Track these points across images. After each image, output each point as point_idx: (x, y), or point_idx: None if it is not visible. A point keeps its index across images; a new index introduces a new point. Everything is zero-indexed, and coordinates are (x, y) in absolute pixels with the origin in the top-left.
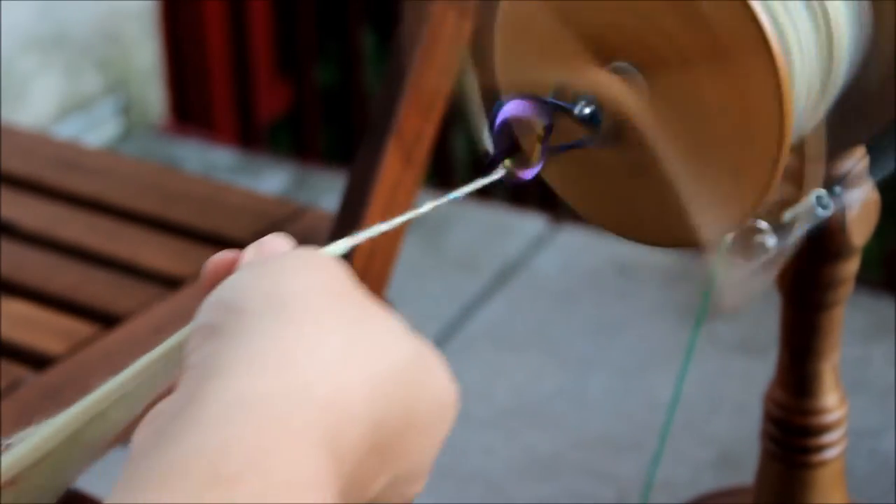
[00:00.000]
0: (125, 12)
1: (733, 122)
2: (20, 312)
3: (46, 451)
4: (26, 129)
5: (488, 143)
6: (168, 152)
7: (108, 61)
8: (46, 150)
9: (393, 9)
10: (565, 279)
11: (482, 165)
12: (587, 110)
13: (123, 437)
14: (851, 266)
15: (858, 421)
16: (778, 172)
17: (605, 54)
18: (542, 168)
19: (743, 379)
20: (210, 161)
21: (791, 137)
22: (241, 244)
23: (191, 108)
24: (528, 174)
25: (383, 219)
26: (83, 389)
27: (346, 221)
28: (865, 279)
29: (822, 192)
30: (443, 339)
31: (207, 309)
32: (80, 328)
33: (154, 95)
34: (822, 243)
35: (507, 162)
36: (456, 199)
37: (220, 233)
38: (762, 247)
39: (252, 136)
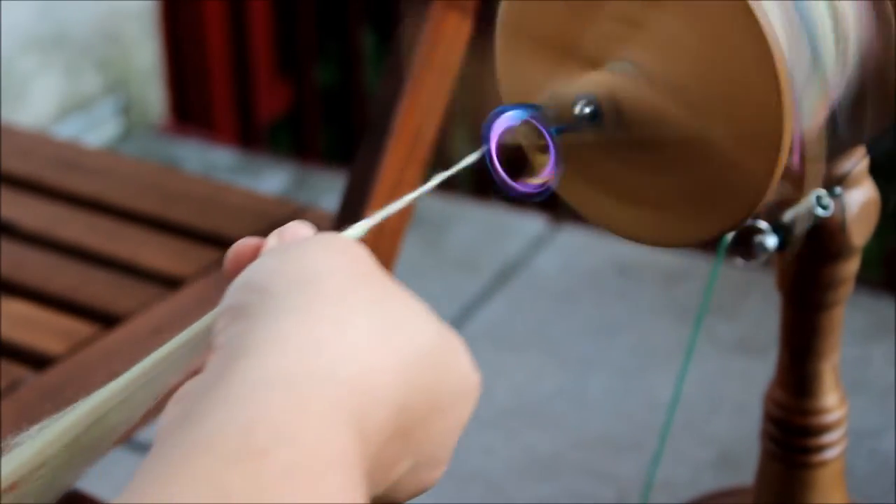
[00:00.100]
0: (125, 12)
1: (733, 121)
2: (20, 312)
3: (47, 455)
4: (26, 129)
5: (485, 154)
6: (168, 152)
7: (108, 61)
8: (46, 150)
9: (393, 9)
10: (565, 279)
11: (482, 165)
12: (587, 109)
13: (124, 438)
14: (851, 266)
15: (858, 421)
16: (778, 172)
17: (605, 54)
18: (554, 182)
19: (743, 379)
20: (210, 161)
21: (791, 137)
22: None
23: (191, 108)
24: (534, 186)
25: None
26: (83, 389)
27: (347, 221)
28: (865, 279)
29: (822, 192)
30: None
31: (233, 292)
32: (80, 328)
33: (154, 95)
34: (822, 243)
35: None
36: (456, 199)
37: (220, 233)
38: (762, 247)
39: (252, 136)
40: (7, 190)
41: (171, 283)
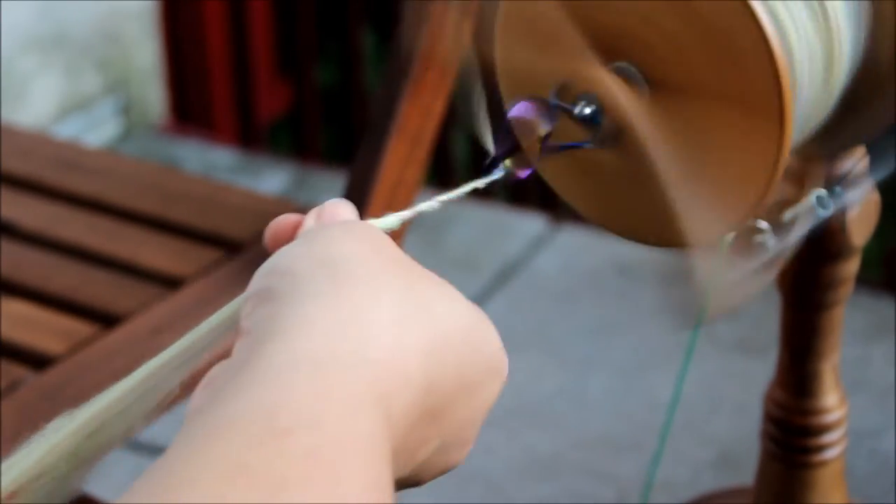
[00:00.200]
0: (125, 12)
1: (733, 121)
2: (20, 312)
3: (47, 465)
4: (26, 129)
5: (491, 144)
6: (168, 152)
7: (108, 61)
8: (46, 150)
9: (393, 9)
10: (565, 279)
11: (482, 164)
12: (587, 110)
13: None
14: (851, 266)
15: (858, 421)
16: (778, 172)
17: (605, 54)
18: (539, 166)
19: (743, 379)
20: (210, 161)
21: (791, 137)
22: (240, 244)
23: (191, 108)
24: (524, 172)
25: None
26: (83, 389)
27: None
28: (865, 279)
29: (822, 192)
30: None
31: (260, 277)
32: (80, 328)
33: (154, 95)
34: (822, 243)
35: (508, 162)
36: (455, 200)
37: (220, 233)
38: (762, 247)
39: (252, 136)
40: (7, 190)
41: (171, 283)
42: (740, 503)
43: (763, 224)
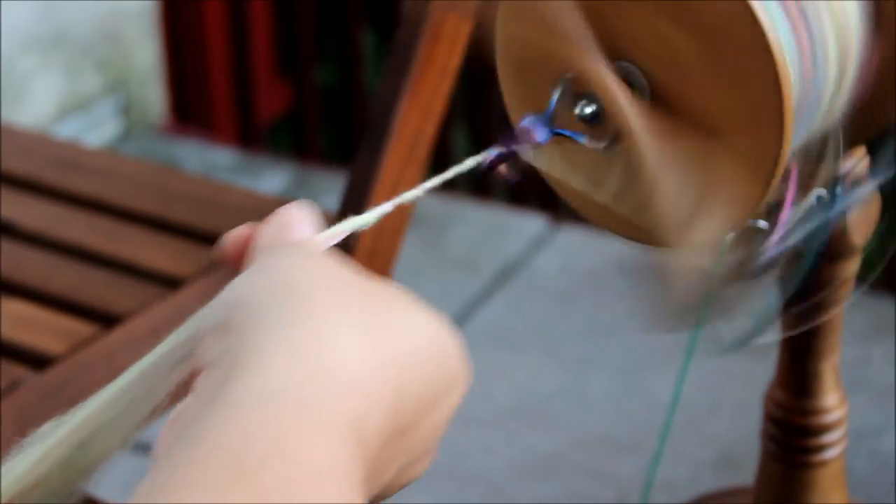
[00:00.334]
0: (125, 12)
1: (733, 121)
2: (20, 312)
3: (40, 474)
4: (26, 129)
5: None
6: (168, 152)
7: (108, 61)
8: (46, 150)
9: (393, 9)
10: (565, 279)
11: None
12: (588, 110)
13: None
14: (851, 266)
15: (858, 421)
16: (778, 172)
17: (608, 54)
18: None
19: (743, 379)
20: (210, 161)
21: (791, 137)
22: None
23: (191, 108)
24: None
25: (384, 218)
26: (83, 389)
27: None
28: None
29: (823, 192)
30: None
31: (215, 310)
32: (80, 328)
33: (154, 95)
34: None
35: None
36: (456, 199)
37: (220, 233)
38: (762, 247)
39: (252, 136)
40: (7, 190)
41: (171, 283)
42: (740, 503)
43: (763, 224)
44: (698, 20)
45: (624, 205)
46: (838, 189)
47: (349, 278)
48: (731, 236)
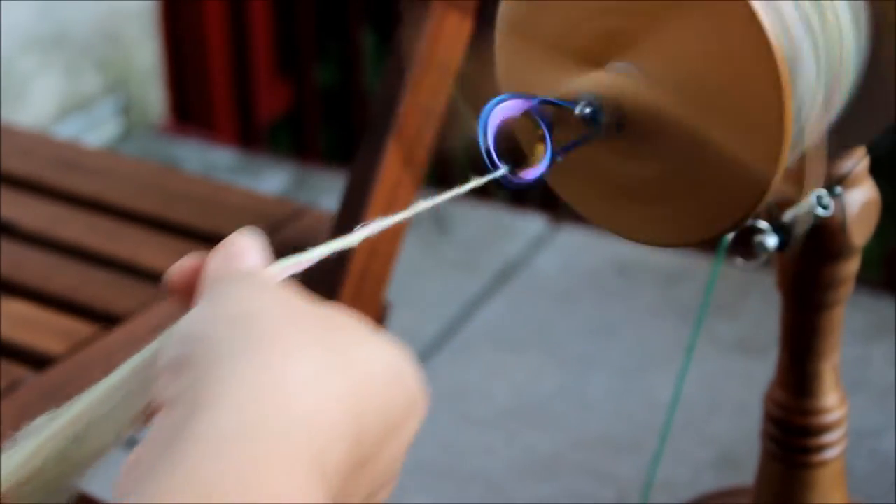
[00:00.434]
0: (125, 12)
1: (734, 121)
2: (20, 312)
3: (33, 468)
4: (26, 129)
5: (483, 145)
6: (168, 152)
7: (108, 61)
8: (46, 150)
9: (393, 9)
10: (565, 279)
11: (481, 167)
12: (588, 109)
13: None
14: (851, 266)
15: (858, 421)
16: (779, 172)
17: (606, 56)
18: (547, 171)
19: (743, 379)
20: (210, 161)
21: (791, 136)
22: None
23: (191, 108)
24: (530, 175)
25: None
26: (83, 389)
27: (346, 221)
28: (865, 279)
29: (823, 191)
30: (443, 339)
31: (172, 345)
32: (80, 328)
33: (154, 95)
34: (822, 243)
35: (508, 166)
36: (455, 199)
37: (220, 233)
38: (762, 247)
39: (252, 136)
40: (7, 190)
41: None
42: (740, 503)
43: (763, 224)
44: (698, 20)
45: (626, 204)
46: (838, 189)
47: (305, 308)
48: (731, 236)
